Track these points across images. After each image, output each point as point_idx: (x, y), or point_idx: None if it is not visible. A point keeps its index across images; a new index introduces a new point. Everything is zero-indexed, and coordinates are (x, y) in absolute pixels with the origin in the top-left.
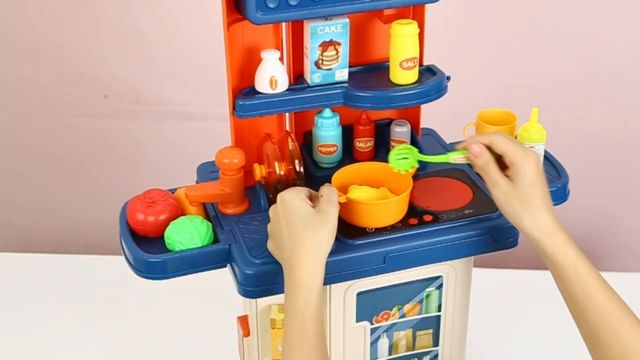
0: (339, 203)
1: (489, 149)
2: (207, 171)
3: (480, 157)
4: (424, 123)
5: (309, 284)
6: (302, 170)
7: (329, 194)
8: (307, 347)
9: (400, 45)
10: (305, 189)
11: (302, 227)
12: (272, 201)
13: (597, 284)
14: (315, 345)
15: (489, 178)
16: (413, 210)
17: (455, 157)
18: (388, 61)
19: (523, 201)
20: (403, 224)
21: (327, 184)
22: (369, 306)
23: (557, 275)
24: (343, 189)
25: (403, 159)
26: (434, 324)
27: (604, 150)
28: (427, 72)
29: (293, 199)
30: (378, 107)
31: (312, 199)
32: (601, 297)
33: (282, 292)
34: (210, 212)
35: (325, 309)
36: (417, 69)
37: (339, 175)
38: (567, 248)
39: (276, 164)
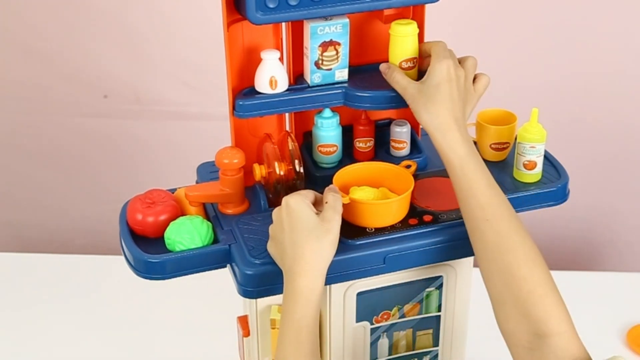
0: (343, 204)
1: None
2: (207, 171)
3: (387, 71)
4: None
5: (308, 294)
6: (302, 170)
7: (334, 201)
8: (301, 356)
9: (400, 46)
10: (311, 193)
11: (306, 236)
12: (272, 201)
13: (482, 181)
14: (309, 354)
15: (399, 85)
16: (413, 210)
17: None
18: (388, 61)
19: (424, 99)
20: (403, 224)
21: (331, 187)
22: (369, 306)
23: (448, 170)
24: (344, 189)
25: None
26: (434, 324)
27: (604, 150)
28: None
29: (298, 204)
30: (378, 107)
31: (317, 204)
32: (483, 192)
33: (282, 292)
34: (210, 212)
35: (326, 309)
36: (416, 69)
37: (339, 176)
38: (457, 145)
39: (276, 164)
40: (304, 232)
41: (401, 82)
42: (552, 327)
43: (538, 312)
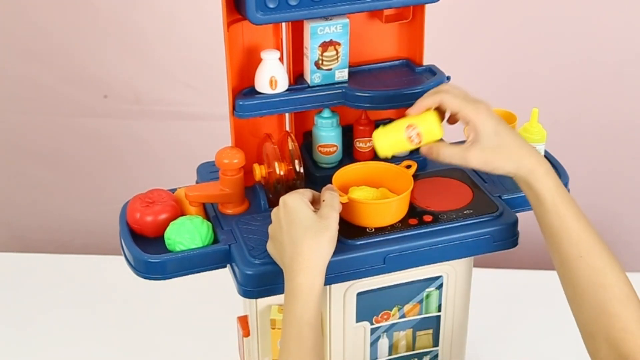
0: (341, 203)
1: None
2: (207, 171)
3: (430, 153)
4: None
5: (308, 290)
6: (302, 170)
7: (331, 199)
8: (303, 353)
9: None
10: (309, 192)
11: (303, 233)
12: (272, 201)
13: (573, 215)
14: (312, 351)
15: (455, 160)
16: (413, 210)
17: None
18: (388, 61)
19: (496, 153)
20: (403, 224)
21: (329, 186)
22: (369, 306)
23: (535, 206)
24: (343, 189)
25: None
26: (434, 324)
27: (604, 150)
28: (427, 72)
29: (295, 203)
30: (378, 107)
31: (315, 202)
32: (575, 227)
33: (282, 292)
34: (210, 212)
35: (326, 309)
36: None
37: (339, 175)
38: (547, 178)
39: (276, 164)
40: (302, 229)
41: (456, 156)
42: None
43: (630, 349)
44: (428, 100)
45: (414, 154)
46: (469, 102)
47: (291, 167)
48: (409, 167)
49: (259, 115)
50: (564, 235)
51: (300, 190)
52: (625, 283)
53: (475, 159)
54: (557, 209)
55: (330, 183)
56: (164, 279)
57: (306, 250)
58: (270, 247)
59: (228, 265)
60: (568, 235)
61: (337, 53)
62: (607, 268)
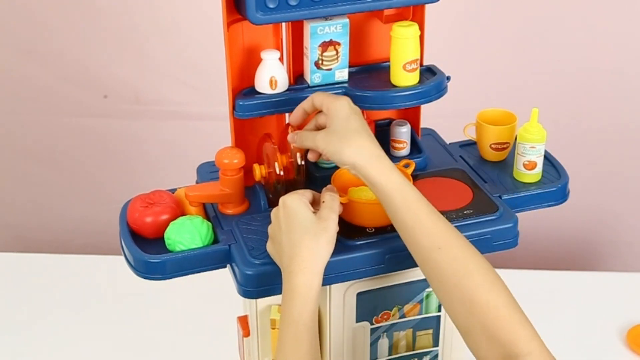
0: (342, 203)
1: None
2: (207, 171)
3: (294, 139)
4: (424, 123)
5: (305, 292)
6: (303, 163)
7: (331, 200)
8: (300, 354)
9: (402, 48)
10: (309, 192)
11: (302, 234)
12: (272, 201)
13: (425, 208)
14: (309, 353)
15: (308, 140)
16: None
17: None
18: (388, 61)
19: (339, 136)
20: None
21: (329, 187)
22: (369, 306)
23: (384, 202)
24: (342, 189)
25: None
26: (434, 324)
27: (604, 150)
28: (427, 72)
29: (295, 203)
30: (378, 107)
31: (315, 203)
32: (429, 220)
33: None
34: (210, 212)
35: (326, 309)
36: (418, 70)
37: (338, 175)
38: (391, 172)
39: (276, 164)
40: (301, 230)
41: (309, 136)
42: (522, 347)
43: (506, 335)
44: (303, 104)
45: (413, 154)
46: (332, 95)
47: (292, 160)
48: (407, 166)
49: (259, 115)
50: (419, 229)
51: (300, 191)
52: (488, 269)
53: (321, 140)
54: (407, 205)
55: (330, 183)
56: (164, 279)
57: (304, 252)
58: (269, 247)
59: (228, 265)
60: (424, 228)
61: (337, 53)
62: (467, 255)
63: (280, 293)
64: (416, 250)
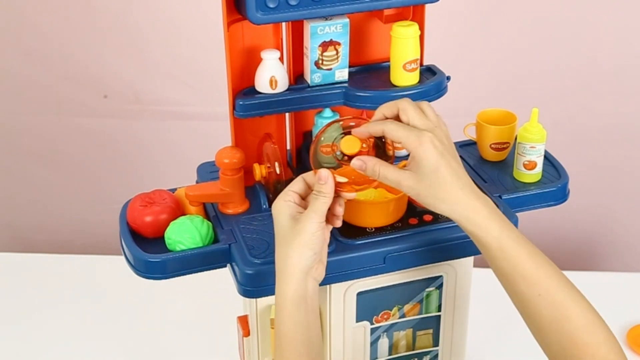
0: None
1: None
2: (207, 171)
3: (366, 168)
4: None
5: (281, 300)
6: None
7: (315, 199)
8: None
9: (402, 48)
10: (299, 185)
11: (278, 243)
12: (272, 201)
13: (523, 255)
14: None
15: (388, 180)
16: (413, 210)
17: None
18: (388, 61)
19: (431, 190)
20: (403, 223)
21: (322, 175)
22: (369, 306)
23: (483, 251)
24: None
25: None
26: (434, 324)
27: (604, 150)
28: (427, 72)
29: (275, 210)
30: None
31: (310, 187)
32: (528, 268)
33: None
34: (210, 212)
35: (326, 309)
36: (418, 70)
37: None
38: (488, 223)
39: (276, 164)
40: (278, 238)
41: (391, 177)
42: None
43: None
44: (372, 127)
45: None
46: (411, 133)
47: (271, 170)
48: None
49: (259, 115)
50: (517, 278)
51: (291, 187)
52: (588, 310)
53: (409, 189)
54: (505, 255)
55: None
56: (164, 278)
57: (278, 260)
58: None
59: (228, 265)
60: (522, 276)
61: (337, 53)
62: (568, 300)
63: None
64: (515, 297)
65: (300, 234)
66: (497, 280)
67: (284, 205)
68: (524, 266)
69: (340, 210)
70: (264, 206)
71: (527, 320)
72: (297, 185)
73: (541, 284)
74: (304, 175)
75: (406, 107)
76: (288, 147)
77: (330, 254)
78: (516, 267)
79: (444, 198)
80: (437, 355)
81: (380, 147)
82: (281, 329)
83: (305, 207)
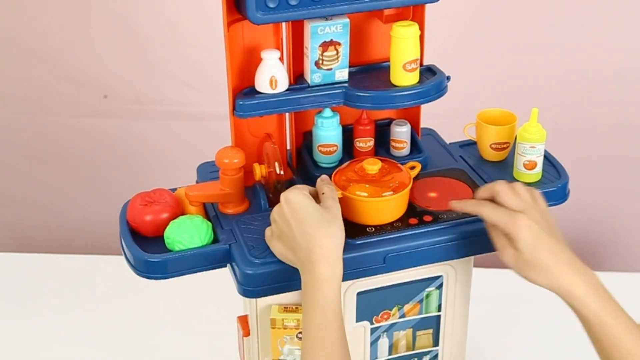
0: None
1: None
2: (207, 171)
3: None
4: (424, 123)
5: (329, 278)
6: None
7: (330, 191)
8: (330, 341)
9: (402, 48)
10: (306, 187)
11: (316, 225)
12: (272, 201)
13: (622, 331)
14: (338, 338)
15: (498, 247)
16: (413, 210)
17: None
18: (388, 61)
19: (530, 267)
20: (403, 223)
21: (323, 177)
22: (369, 306)
23: (583, 324)
24: (343, 188)
25: None
26: (434, 324)
27: (604, 150)
28: (427, 72)
29: (299, 197)
30: (378, 107)
31: (313, 197)
32: (627, 343)
33: (282, 291)
34: (210, 212)
35: None
36: (418, 70)
37: (339, 173)
38: (588, 300)
39: (276, 164)
40: (313, 221)
41: (498, 243)
42: None
43: None
44: (470, 208)
45: (413, 154)
46: (505, 215)
47: (271, 170)
48: (412, 167)
49: (258, 115)
50: (614, 352)
51: (299, 186)
52: None
53: (509, 260)
54: (603, 330)
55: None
56: (164, 278)
57: (323, 240)
58: (276, 247)
59: (228, 265)
60: (618, 350)
61: (337, 53)
62: None
63: (280, 292)
64: None
65: (337, 217)
66: (595, 350)
67: (305, 194)
68: (620, 341)
69: None
70: (264, 206)
71: None
72: (302, 186)
73: (638, 358)
74: (306, 185)
75: (500, 190)
76: (288, 147)
77: None
78: (613, 343)
79: (543, 275)
80: (437, 355)
81: None
82: (330, 307)
83: None
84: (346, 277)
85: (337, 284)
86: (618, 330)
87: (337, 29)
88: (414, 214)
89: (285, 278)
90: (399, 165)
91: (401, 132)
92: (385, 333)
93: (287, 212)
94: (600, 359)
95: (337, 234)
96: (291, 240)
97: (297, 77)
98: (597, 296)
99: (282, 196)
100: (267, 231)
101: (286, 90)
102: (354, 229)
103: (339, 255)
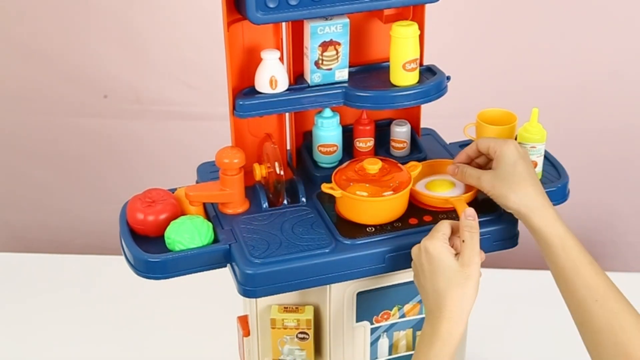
0: (337, 198)
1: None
2: (207, 171)
3: (457, 172)
4: (424, 123)
5: (447, 338)
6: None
7: (471, 239)
8: None
9: (402, 48)
10: (447, 227)
11: (447, 285)
12: (272, 201)
13: (584, 259)
14: None
15: (472, 178)
16: (413, 210)
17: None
18: (388, 61)
19: (506, 181)
20: (403, 223)
21: (469, 213)
22: (369, 306)
23: (545, 250)
24: (343, 187)
25: None
26: None
27: (604, 150)
28: (427, 72)
29: (437, 251)
30: (378, 107)
31: (454, 233)
32: (588, 271)
33: (282, 291)
34: (210, 212)
35: (326, 309)
36: (418, 70)
37: (339, 172)
38: (554, 222)
39: (276, 163)
40: (445, 280)
41: (474, 173)
42: None
43: None
44: (466, 149)
45: (413, 153)
46: (498, 139)
47: (271, 170)
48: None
49: (258, 115)
50: (577, 280)
51: (440, 230)
52: None
53: (486, 182)
54: (567, 255)
55: (331, 181)
56: (164, 278)
57: (449, 302)
58: (415, 280)
59: (228, 265)
60: (582, 279)
61: (337, 53)
62: (624, 310)
63: (281, 292)
64: (572, 300)
65: (471, 277)
66: (555, 281)
67: (444, 246)
68: (584, 269)
69: (482, 256)
70: (264, 206)
71: (580, 328)
72: (445, 228)
73: (599, 289)
74: (448, 221)
75: (483, 138)
76: (288, 147)
77: (330, 254)
78: (576, 269)
79: (517, 190)
80: None
81: None
82: None
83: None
84: (346, 277)
85: (452, 343)
86: (581, 258)
87: (337, 28)
88: (414, 214)
89: (285, 278)
90: (399, 165)
91: (401, 132)
92: (385, 333)
93: (423, 262)
94: (559, 287)
95: (467, 295)
96: (422, 287)
97: (297, 77)
98: (563, 223)
99: (422, 244)
100: (412, 264)
101: (286, 90)
102: (354, 229)
103: (465, 316)
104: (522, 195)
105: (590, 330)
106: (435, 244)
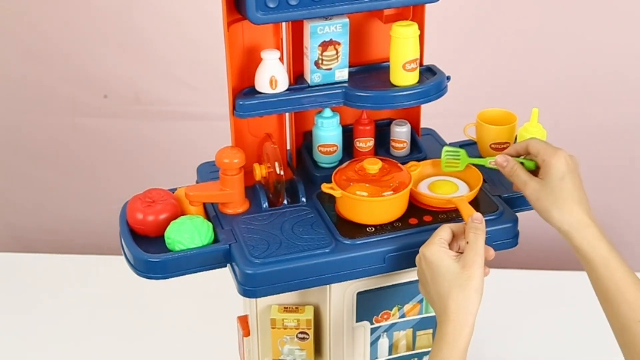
0: (337, 198)
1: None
2: (207, 171)
3: (506, 165)
4: (424, 123)
5: (452, 340)
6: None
7: (475, 240)
8: None
9: (401, 48)
10: (447, 232)
11: (448, 288)
12: (272, 201)
13: (628, 279)
14: None
15: (519, 180)
16: (413, 210)
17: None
18: (388, 61)
19: (551, 196)
20: (403, 223)
21: (476, 217)
22: (369, 306)
23: (588, 269)
24: (343, 187)
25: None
26: (434, 324)
27: (604, 150)
28: (427, 72)
29: (435, 255)
30: (378, 107)
31: (457, 236)
32: (632, 292)
33: (282, 291)
34: (210, 212)
35: (326, 308)
36: (418, 70)
37: (340, 172)
38: (598, 241)
39: (276, 163)
40: (446, 284)
41: (522, 177)
42: None
43: None
44: (517, 145)
45: (413, 153)
46: (550, 146)
47: (271, 170)
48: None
49: (258, 115)
50: (620, 300)
51: (437, 234)
52: None
53: (532, 192)
54: (610, 275)
55: (331, 181)
56: (164, 278)
57: (452, 305)
58: (420, 287)
59: (228, 265)
60: (625, 299)
61: (337, 53)
62: None
63: (280, 292)
64: (615, 321)
65: (473, 278)
66: (598, 302)
67: (442, 250)
68: (628, 289)
69: (490, 253)
70: (264, 206)
71: (623, 348)
72: (444, 233)
73: None
74: (449, 225)
75: (535, 139)
76: (288, 147)
77: (330, 253)
78: (620, 289)
79: (561, 207)
80: None
81: None
82: None
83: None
84: (346, 277)
85: (460, 346)
86: (625, 278)
87: (337, 28)
88: (414, 214)
89: (285, 278)
90: (399, 165)
91: (401, 132)
92: (385, 333)
93: (424, 268)
94: (603, 307)
95: (469, 298)
96: (427, 294)
97: (297, 77)
98: (607, 242)
99: (420, 251)
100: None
101: (286, 90)
102: (354, 229)
103: (470, 317)
104: (566, 214)
105: (634, 352)
106: (432, 249)
